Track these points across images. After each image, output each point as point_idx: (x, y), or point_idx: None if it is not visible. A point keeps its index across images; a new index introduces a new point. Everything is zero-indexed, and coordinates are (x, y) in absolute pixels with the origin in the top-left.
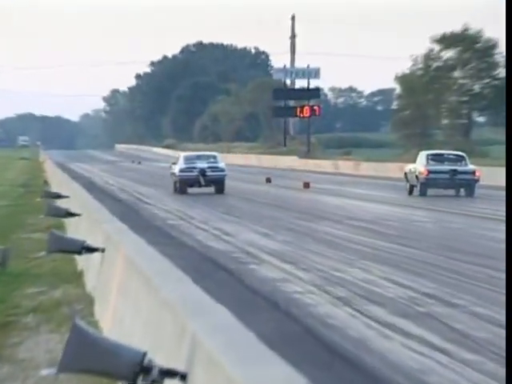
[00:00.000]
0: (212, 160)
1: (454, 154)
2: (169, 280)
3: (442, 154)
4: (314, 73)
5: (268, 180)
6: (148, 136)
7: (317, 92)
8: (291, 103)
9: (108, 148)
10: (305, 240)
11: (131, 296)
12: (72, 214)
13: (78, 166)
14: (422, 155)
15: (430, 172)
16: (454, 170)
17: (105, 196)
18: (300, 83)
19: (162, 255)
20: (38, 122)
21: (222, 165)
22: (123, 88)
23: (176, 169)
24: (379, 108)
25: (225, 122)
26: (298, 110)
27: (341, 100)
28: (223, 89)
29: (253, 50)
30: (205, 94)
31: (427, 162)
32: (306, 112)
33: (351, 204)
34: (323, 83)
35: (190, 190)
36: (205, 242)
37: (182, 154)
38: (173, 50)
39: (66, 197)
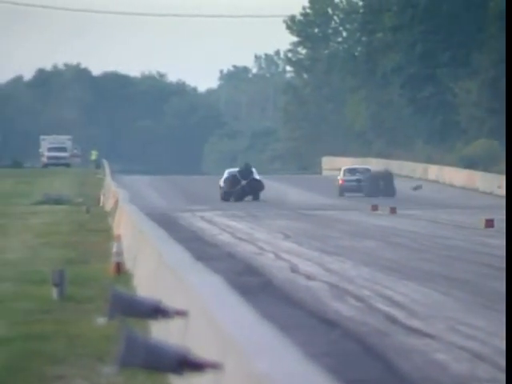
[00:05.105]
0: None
1: (363, 168)
2: None
3: (354, 168)
4: None
5: None
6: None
7: None
8: None
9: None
10: None
11: None
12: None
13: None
14: (342, 169)
15: (344, 181)
16: (358, 180)
17: None
18: None
19: None
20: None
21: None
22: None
23: None
24: None
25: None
26: None
27: None
28: None
29: None
30: None
31: (344, 174)
32: None
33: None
34: None
35: None
36: None
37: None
38: None
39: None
